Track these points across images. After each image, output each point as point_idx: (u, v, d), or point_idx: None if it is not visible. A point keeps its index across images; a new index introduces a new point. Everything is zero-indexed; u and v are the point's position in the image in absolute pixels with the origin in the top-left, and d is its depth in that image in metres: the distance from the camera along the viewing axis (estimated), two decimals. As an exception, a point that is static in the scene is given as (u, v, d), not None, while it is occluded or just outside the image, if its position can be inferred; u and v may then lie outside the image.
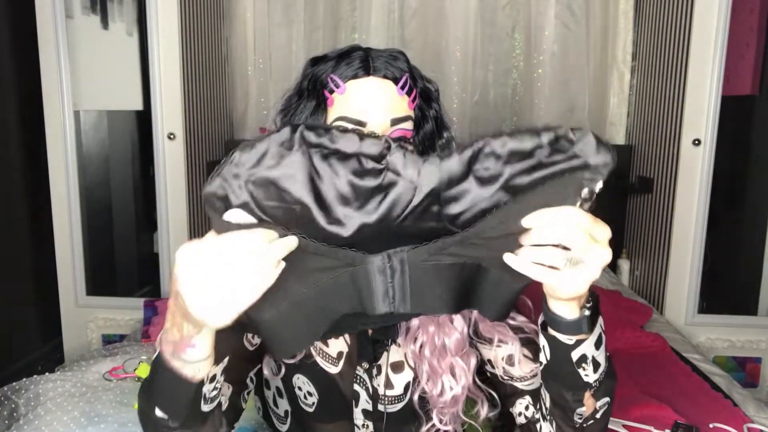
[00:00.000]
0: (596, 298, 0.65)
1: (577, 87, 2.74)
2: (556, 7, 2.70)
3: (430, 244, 0.57)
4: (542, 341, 0.68)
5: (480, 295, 0.62)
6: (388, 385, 0.82)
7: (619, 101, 2.78)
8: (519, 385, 0.81)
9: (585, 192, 0.54)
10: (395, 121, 0.73)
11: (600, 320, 0.65)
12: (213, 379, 0.64)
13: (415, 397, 0.82)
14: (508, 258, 0.57)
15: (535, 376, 0.80)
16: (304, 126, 0.53)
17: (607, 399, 0.70)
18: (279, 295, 0.56)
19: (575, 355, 0.64)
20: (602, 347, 0.66)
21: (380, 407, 0.83)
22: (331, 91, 0.74)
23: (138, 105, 2.46)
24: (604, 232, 0.56)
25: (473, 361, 0.82)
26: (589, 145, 0.53)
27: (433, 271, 0.58)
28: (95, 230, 2.53)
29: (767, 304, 2.43)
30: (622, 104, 2.78)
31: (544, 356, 0.68)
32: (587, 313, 0.63)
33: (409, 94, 0.75)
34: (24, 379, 1.47)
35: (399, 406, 0.83)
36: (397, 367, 0.83)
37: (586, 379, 0.66)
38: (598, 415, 0.70)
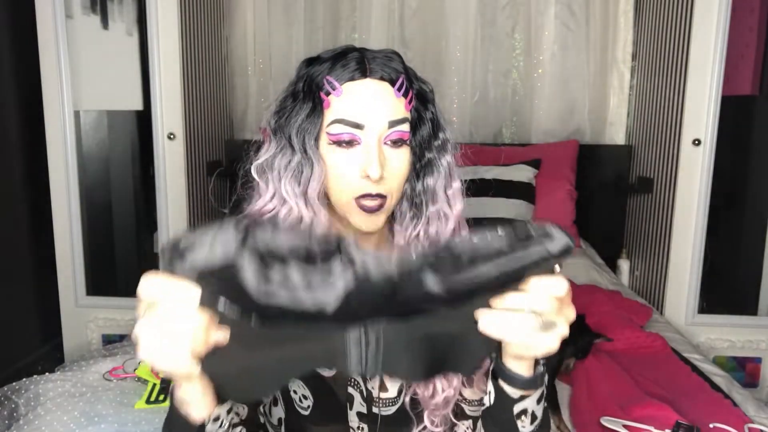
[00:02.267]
0: (549, 357, 0.65)
1: (577, 87, 2.75)
2: (556, 7, 2.71)
3: (409, 322, 0.57)
4: (489, 386, 0.68)
5: (453, 358, 0.62)
6: (383, 387, 0.82)
7: (619, 101, 2.78)
8: (466, 407, 0.81)
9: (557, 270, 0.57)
10: (392, 124, 0.73)
11: (546, 377, 0.66)
12: (217, 419, 0.65)
13: (407, 399, 0.82)
14: (484, 328, 0.56)
15: (481, 405, 0.79)
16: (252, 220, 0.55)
17: None
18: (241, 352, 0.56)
19: (516, 409, 0.65)
20: (542, 402, 0.67)
21: (375, 410, 0.83)
22: (328, 93, 0.73)
23: (138, 105, 2.45)
24: (573, 310, 0.58)
25: None
26: (548, 235, 0.54)
27: (407, 344, 0.59)
28: (95, 230, 2.53)
29: (767, 304, 2.43)
30: (622, 104, 2.78)
31: (489, 400, 0.68)
32: (540, 370, 0.64)
33: (405, 95, 0.74)
34: (24, 379, 1.47)
35: (393, 408, 0.83)
36: None
37: (522, 430, 0.67)
38: None
